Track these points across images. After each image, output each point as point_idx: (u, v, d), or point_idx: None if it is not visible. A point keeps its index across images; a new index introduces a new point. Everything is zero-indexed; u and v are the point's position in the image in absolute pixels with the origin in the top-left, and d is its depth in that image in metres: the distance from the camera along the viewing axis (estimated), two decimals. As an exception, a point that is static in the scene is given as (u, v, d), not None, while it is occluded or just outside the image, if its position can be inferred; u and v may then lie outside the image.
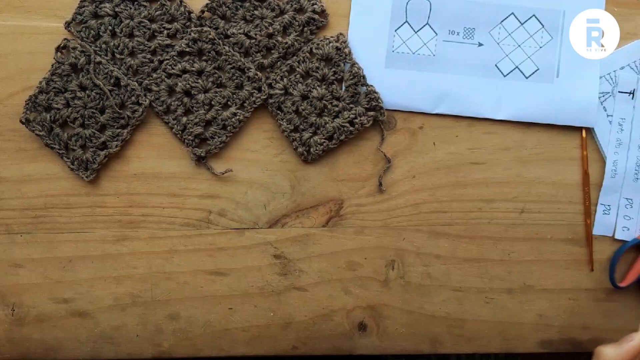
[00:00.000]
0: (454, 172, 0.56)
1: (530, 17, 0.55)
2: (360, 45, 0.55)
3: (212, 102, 0.55)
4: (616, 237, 0.57)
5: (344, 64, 0.55)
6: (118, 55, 0.54)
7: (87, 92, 0.54)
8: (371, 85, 0.55)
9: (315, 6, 0.54)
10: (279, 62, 0.55)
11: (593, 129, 0.56)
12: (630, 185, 0.56)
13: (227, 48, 0.54)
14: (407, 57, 0.55)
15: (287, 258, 0.57)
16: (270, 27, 0.54)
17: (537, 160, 0.56)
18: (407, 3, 0.55)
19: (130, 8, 0.54)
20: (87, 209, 0.56)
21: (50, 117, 0.54)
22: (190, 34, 0.54)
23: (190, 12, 0.54)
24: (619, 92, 0.56)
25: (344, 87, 0.55)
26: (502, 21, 0.55)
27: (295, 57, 0.55)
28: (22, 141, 0.55)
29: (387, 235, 0.57)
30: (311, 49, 0.54)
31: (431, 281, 0.57)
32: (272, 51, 0.55)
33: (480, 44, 0.55)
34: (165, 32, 0.54)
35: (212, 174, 0.56)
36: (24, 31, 0.55)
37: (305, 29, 0.55)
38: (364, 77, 0.55)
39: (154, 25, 0.54)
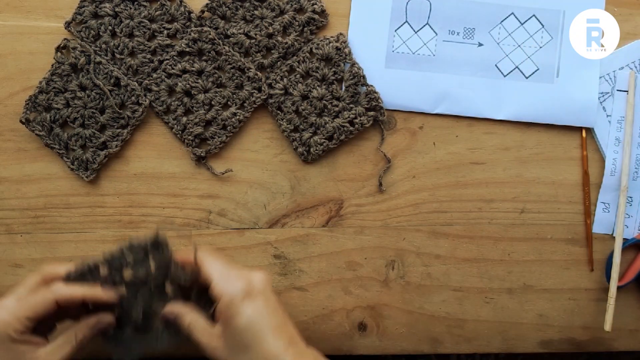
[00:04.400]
0: (454, 172, 0.56)
1: (530, 17, 0.55)
2: (360, 45, 0.55)
3: (212, 102, 0.55)
4: (615, 234, 0.57)
5: (344, 64, 0.55)
6: (118, 55, 0.54)
7: (87, 92, 0.54)
8: (371, 85, 0.55)
9: (315, 6, 0.54)
10: (279, 62, 0.55)
11: (593, 129, 0.56)
12: (629, 183, 0.56)
13: (227, 48, 0.54)
14: (407, 57, 0.55)
15: (287, 258, 0.57)
16: (270, 27, 0.54)
17: (537, 160, 0.56)
18: (407, 3, 0.55)
19: (130, 8, 0.54)
20: (87, 209, 0.56)
21: (50, 117, 0.54)
22: (190, 34, 0.54)
23: (190, 12, 0.54)
24: (617, 90, 0.56)
25: (344, 87, 0.55)
26: (502, 21, 0.55)
27: (295, 57, 0.55)
28: (22, 141, 0.55)
29: (387, 235, 0.57)
30: (311, 49, 0.54)
31: (431, 281, 0.57)
32: (272, 51, 0.55)
33: (480, 44, 0.55)
34: (165, 32, 0.54)
35: (212, 174, 0.56)
36: (24, 31, 0.55)
37: (305, 29, 0.55)
38: (364, 77, 0.55)
39: (154, 25, 0.54)
